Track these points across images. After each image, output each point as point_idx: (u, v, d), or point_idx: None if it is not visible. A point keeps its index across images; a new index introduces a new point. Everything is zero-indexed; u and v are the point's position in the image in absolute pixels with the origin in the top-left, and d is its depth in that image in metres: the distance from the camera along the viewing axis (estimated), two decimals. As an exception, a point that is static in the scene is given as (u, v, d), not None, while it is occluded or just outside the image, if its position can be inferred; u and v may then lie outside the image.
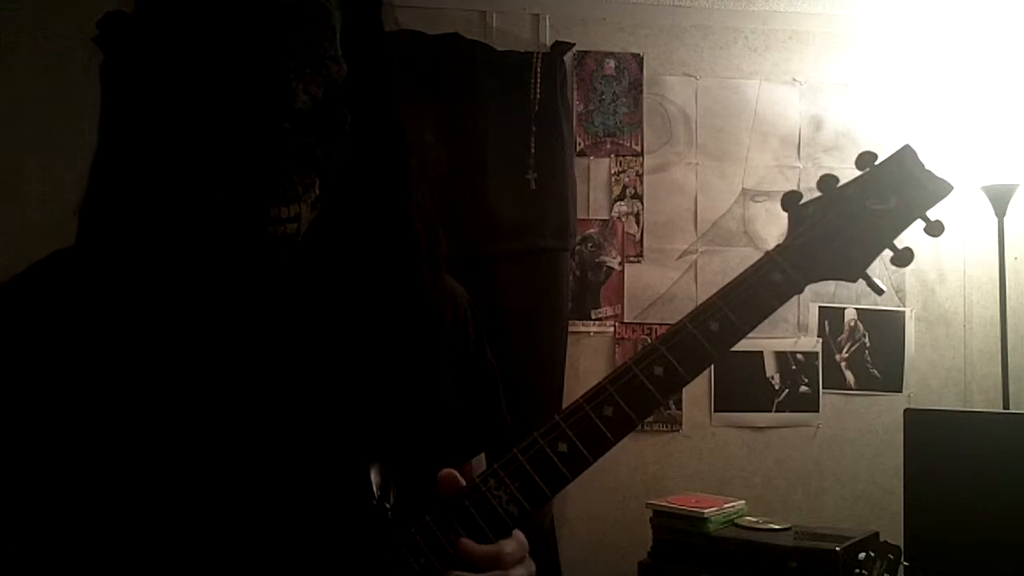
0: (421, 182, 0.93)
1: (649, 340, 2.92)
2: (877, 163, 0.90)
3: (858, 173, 0.91)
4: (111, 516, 0.79)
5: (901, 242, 0.90)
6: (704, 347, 0.85)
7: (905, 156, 0.90)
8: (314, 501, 0.83)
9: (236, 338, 0.84)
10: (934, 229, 0.90)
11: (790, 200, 0.91)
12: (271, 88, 0.77)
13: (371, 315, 0.89)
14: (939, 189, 0.89)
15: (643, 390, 0.84)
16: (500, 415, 1.03)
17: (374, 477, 0.85)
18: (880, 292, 0.92)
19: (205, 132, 0.78)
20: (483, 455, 1.00)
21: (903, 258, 0.90)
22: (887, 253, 0.91)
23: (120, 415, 0.79)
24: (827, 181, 0.91)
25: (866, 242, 0.89)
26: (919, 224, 0.90)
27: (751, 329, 0.86)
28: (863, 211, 0.88)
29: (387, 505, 0.85)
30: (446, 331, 0.96)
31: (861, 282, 0.91)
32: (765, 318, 0.86)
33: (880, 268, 0.91)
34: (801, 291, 0.88)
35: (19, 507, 0.81)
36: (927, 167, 0.89)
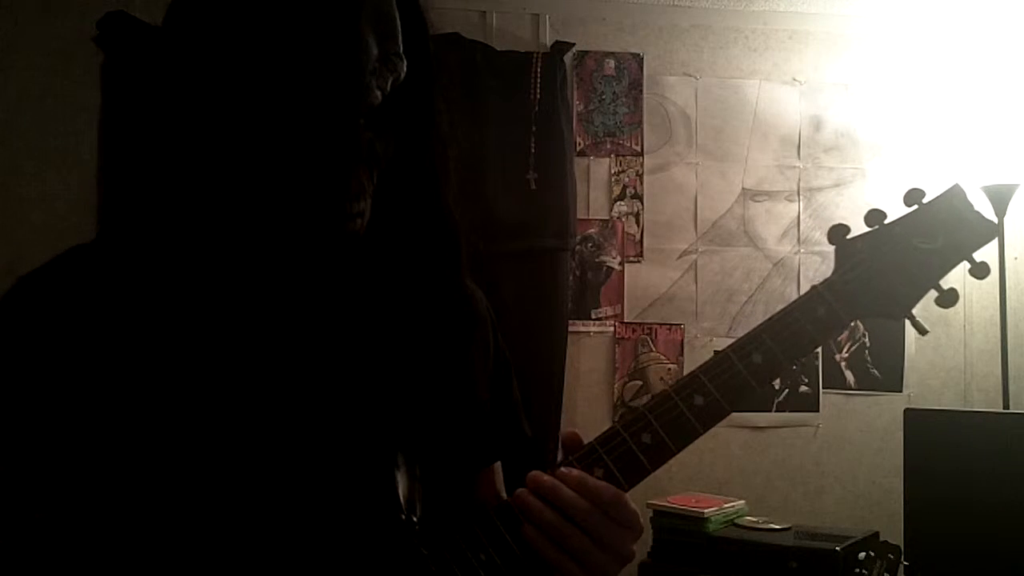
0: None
1: (649, 340, 2.92)
2: (926, 201, 0.89)
3: (904, 209, 0.90)
4: (131, 522, 0.76)
5: (946, 283, 0.88)
6: (746, 379, 0.84)
7: (954, 195, 0.88)
8: (342, 513, 0.81)
9: (282, 335, 0.82)
10: (980, 271, 0.88)
11: (837, 234, 0.89)
12: (351, 85, 0.77)
13: (415, 313, 0.87)
14: (988, 231, 0.88)
15: (683, 419, 0.84)
16: (519, 421, 1.01)
17: (401, 490, 0.83)
18: (924, 333, 0.89)
19: (276, 128, 0.76)
20: (499, 463, 0.99)
21: (948, 299, 0.88)
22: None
23: (149, 413, 0.76)
24: (875, 216, 0.89)
25: (913, 282, 0.87)
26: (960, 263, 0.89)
27: (793, 363, 0.85)
28: (911, 250, 0.87)
29: (414, 519, 0.84)
30: (479, 331, 0.95)
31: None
32: (809, 352, 0.85)
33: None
34: (846, 328, 0.87)
35: (50, 499, 0.78)
36: (975, 207, 0.88)
